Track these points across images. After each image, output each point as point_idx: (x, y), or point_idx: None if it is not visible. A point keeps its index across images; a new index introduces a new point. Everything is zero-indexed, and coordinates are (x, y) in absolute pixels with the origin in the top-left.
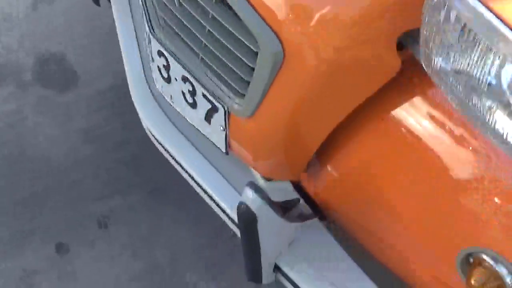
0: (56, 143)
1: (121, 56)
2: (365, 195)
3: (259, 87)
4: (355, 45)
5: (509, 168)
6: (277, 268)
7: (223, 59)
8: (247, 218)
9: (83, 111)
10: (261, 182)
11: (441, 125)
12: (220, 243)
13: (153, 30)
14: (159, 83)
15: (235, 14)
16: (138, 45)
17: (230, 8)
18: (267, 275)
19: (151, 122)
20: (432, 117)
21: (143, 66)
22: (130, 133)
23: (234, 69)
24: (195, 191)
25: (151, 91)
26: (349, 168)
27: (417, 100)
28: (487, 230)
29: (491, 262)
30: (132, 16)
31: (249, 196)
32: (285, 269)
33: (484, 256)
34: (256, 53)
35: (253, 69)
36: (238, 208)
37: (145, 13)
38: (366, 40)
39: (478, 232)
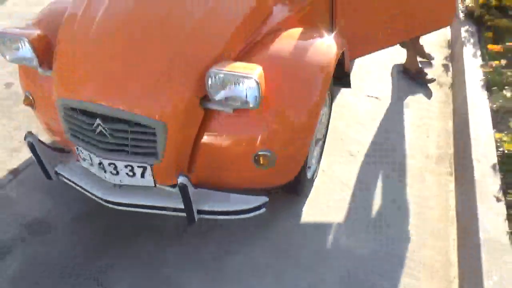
0: None
1: None
2: (213, 164)
3: (162, 145)
4: (184, 113)
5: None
6: (198, 211)
7: (143, 145)
8: (185, 188)
9: None
10: (168, 188)
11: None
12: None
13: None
14: (126, 181)
15: (137, 125)
16: None
17: (134, 125)
18: (195, 217)
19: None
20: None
21: None
22: None
23: (149, 145)
24: None
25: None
26: (203, 161)
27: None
28: (259, 142)
29: (264, 153)
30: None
31: (183, 179)
32: (204, 207)
33: (261, 153)
34: (154, 133)
35: (155, 141)
36: (179, 186)
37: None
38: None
39: (255, 144)
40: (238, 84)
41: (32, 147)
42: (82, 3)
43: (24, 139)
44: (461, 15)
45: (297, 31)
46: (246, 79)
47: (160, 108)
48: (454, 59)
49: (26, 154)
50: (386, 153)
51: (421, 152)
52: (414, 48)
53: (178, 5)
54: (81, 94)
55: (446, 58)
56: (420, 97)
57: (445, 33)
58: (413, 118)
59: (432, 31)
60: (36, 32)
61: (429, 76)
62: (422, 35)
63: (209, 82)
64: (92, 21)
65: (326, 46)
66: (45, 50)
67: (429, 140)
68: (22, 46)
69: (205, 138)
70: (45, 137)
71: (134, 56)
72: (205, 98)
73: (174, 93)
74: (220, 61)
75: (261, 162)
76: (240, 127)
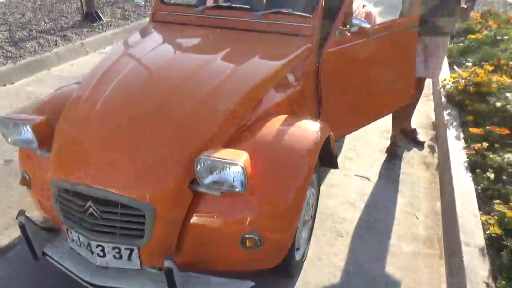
0: None
1: None
2: (201, 247)
3: (150, 227)
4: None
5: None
6: None
7: (132, 227)
8: (170, 271)
9: None
10: (154, 271)
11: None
12: None
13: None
14: (113, 264)
15: (126, 207)
16: None
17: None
18: None
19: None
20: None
21: None
22: None
23: (137, 227)
24: None
25: None
26: (190, 243)
27: (198, 201)
28: (245, 224)
29: (251, 236)
30: None
31: (168, 262)
32: None
33: (247, 235)
34: (143, 216)
35: (143, 223)
36: (165, 270)
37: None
38: (175, 202)
39: (242, 226)
40: (225, 169)
41: (22, 227)
42: (85, 91)
43: (16, 218)
44: (443, 99)
45: (284, 117)
46: (233, 165)
47: (150, 192)
48: (439, 141)
49: (16, 232)
50: (375, 234)
51: (410, 233)
52: (397, 128)
53: (172, 95)
54: (74, 176)
55: (431, 139)
56: (408, 177)
57: (430, 115)
58: (402, 198)
59: (399, 107)
60: (39, 117)
61: (399, 152)
62: (391, 112)
63: (198, 168)
64: (91, 107)
65: (311, 131)
66: (46, 134)
67: (418, 221)
68: (24, 131)
69: (193, 221)
70: (36, 213)
71: (128, 141)
72: (194, 181)
73: (164, 177)
74: (209, 147)
75: (248, 245)
76: (227, 210)
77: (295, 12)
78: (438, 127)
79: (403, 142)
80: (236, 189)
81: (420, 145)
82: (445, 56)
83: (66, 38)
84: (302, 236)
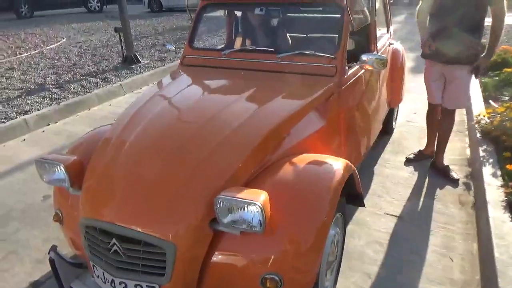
0: None
1: None
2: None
3: (171, 266)
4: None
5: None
6: None
7: (154, 265)
8: None
9: None
10: None
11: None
12: None
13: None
14: None
15: (149, 245)
16: None
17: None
18: None
19: None
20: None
21: None
22: None
23: (159, 265)
24: None
25: None
26: (211, 283)
27: (218, 240)
28: (266, 265)
29: (271, 276)
30: None
31: None
32: None
33: (268, 275)
34: (165, 253)
35: (165, 261)
36: None
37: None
38: (198, 240)
39: (262, 267)
40: (243, 209)
41: (52, 262)
42: (115, 132)
43: (48, 253)
44: (478, 134)
45: (305, 155)
46: (251, 205)
47: (173, 230)
48: (475, 178)
49: (49, 266)
50: (406, 276)
51: (445, 277)
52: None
53: (196, 135)
54: (100, 214)
55: (467, 176)
56: (441, 216)
57: (464, 151)
58: (435, 239)
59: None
60: (72, 158)
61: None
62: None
63: (217, 207)
64: (119, 148)
65: (332, 169)
66: (78, 173)
67: (453, 264)
68: (57, 170)
69: (213, 260)
70: (69, 249)
71: (151, 180)
72: (214, 220)
73: (185, 216)
74: (229, 187)
75: (268, 285)
76: (247, 249)
77: (318, 54)
78: (473, 164)
79: (435, 179)
80: (255, 229)
81: (454, 182)
82: (468, 87)
83: (107, 80)
84: (327, 277)
